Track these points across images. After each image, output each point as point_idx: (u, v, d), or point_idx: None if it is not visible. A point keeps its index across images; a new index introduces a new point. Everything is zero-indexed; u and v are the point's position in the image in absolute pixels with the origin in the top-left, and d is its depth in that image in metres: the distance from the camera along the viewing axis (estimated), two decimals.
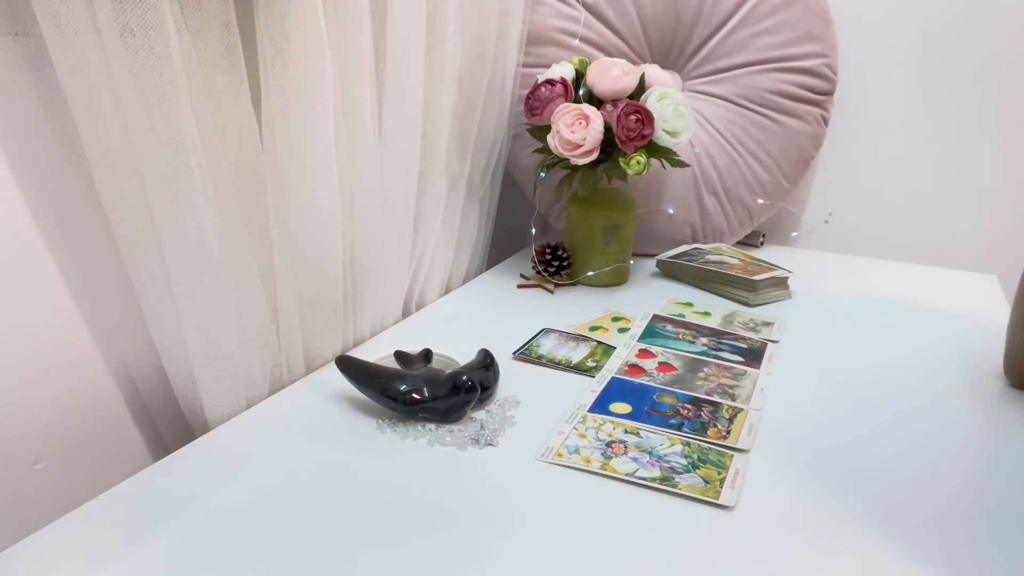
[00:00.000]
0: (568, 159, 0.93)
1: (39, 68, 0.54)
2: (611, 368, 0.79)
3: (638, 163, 0.92)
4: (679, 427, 0.67)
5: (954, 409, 0.71)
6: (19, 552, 0.50)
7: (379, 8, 0.76)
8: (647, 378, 0.77)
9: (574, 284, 1.07)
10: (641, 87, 0.97)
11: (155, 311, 0.63)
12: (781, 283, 1.02)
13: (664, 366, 0.79)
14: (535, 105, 0.96)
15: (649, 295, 1.03)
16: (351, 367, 0.69)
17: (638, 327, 0.90)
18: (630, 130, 0.91)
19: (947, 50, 1.12)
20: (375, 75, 0.76)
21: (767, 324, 0.92)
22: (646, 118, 0.92)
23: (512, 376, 0.77)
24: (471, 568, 0.49)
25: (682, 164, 0.99)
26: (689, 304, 0.99)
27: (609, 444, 0.64)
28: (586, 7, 1.08)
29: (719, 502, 0.56)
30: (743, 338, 0.88)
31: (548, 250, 1.05)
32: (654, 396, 0.73)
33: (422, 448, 0.64)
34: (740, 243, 1.25)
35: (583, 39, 1.09)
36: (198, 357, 0.65)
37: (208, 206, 0.61)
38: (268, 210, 0.69)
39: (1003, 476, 0.60)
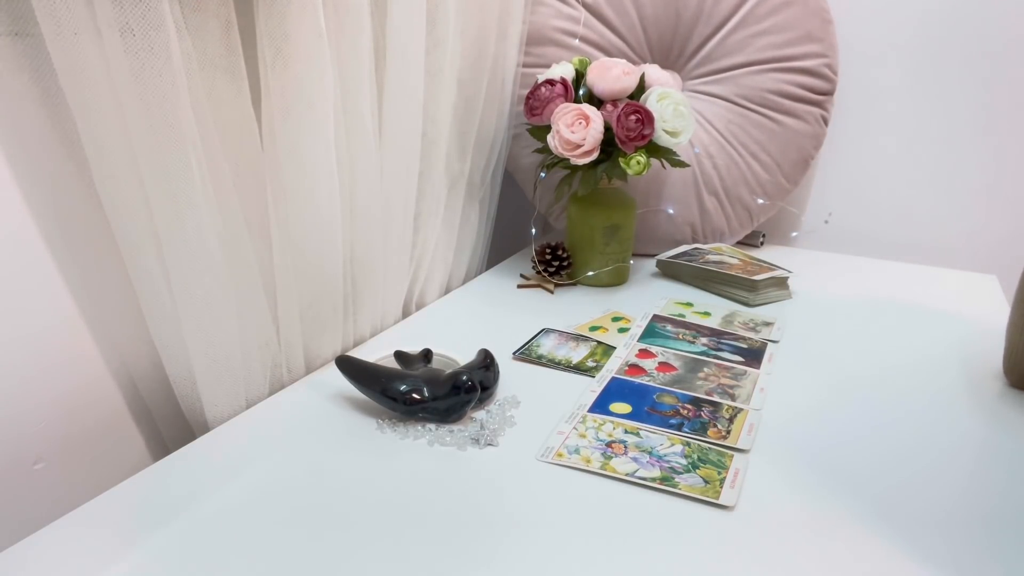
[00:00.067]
0: (568, 159, 0.93)
1: (39, 68, 0.54)
2: (611, 368, 0.79)
3: (638, 163, 0.92)
4: (679, 427, 0.67)
5: (954, 409, 0.71)
6: (19, 552, 0.50)
7: (379, 8, 0.76)
8: (647, 378, 0.77)
9: (574, 284, 1.07)
10: (641, 87, 0.97)
11: (155, 311, 0.63)
12: (781, 283, 1.02)
13: (664, 366, 0.79)
14: (535, 105, 0.96)
15: (649, 295, 1.03)
16: (351, 367, 0.69)
17: (638, 327, 0.90)
18: (630, 130, 0.91)
19: (947, 50, 1.12)
20: (375, 75, 0.76)
21: (767, 324, 0.92)
22: (646, 118, 0.92)
23: (512, 376, 0.77)
24: (471, 568, 0.49)
25: (682, 164, 0.99)
26: (689, 304, 0.99)
27: (609, 444, 0.64)
28: (586, 7, 1.08)
29: (719, 502, 0.56)
30: (743, 338, 0.88)
31: (548, 250, 1.05)
32: (654, 396, 0.73)
33: (422, 448, 0.64)
34: (740, 243, 1.25)
35: (583, 39, 1.09)
36: (198, 357, 0.65)
37: (208, 206, 0.61)
38: (268, 210, 0.69)
39: (1003, 476, 0.60)
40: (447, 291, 1.05)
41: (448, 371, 0.69)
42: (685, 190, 1.15)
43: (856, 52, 1.17)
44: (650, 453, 0.63)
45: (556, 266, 1.04)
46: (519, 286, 1.05)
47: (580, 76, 0.99)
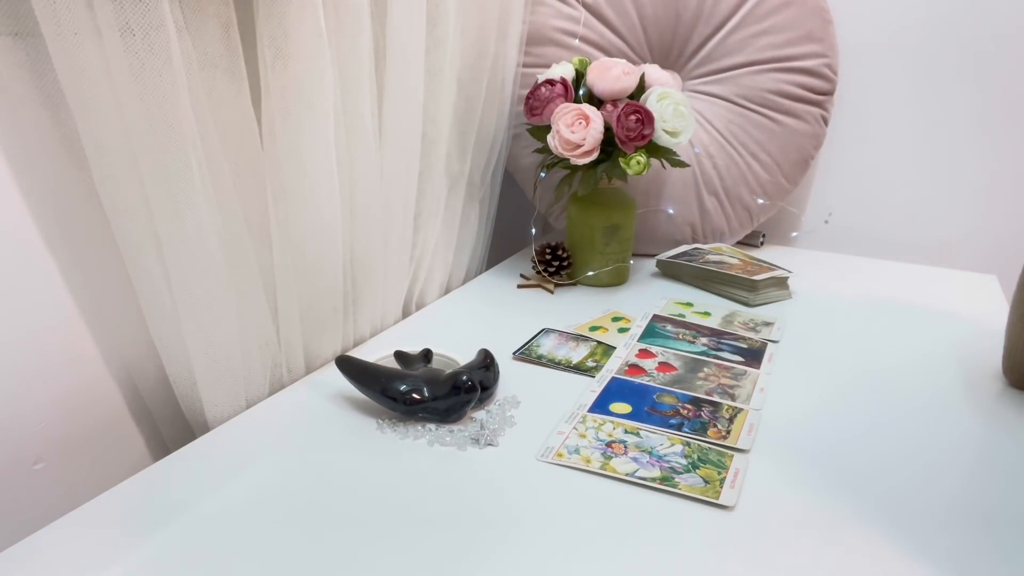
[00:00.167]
0: (568, 159, 0.93)
1: (39, 68, 0.54)
2: (611, 368, 0.79)
3: (638, 163, 0.92)
4: (679, 427, 0.67)
5: (953, 409, 0.71)
6: (19, 552, 0.50)
7: (379, 8, 0.76)
8: (647, 378, 0.77)
9: (574, 284, 1.07)
10: (641, 87, 0.97)
11: (155, 311, 0.63)
12: (781, 283, 1.02)
13: (664, 366, 0.79)
14: (535, 105, 0.96)
15: (649, 295, 1.03)
16: (351, 367, 0.69)
17: (638, 327, 0.90)
18: (630, 130, 0.91)
19: (947, 50, 1.12)
20: (375, 75, 0.76)
21: (767, 324, 0.92)
22: (646, 118, 0.92)
23: (512, 376, 0.77)
24: (471, 568, 0.49)
25: (682, 164, 0.99)
26: (689, 304, 0.99)
27: (609, 444, 0.64)
28: (586, 7, 1.08)
29: (719, 502, 0.56)
30: (743, 338, 0.88)
31: (548, 250, 1.05)
32: (654, 396, 0.73)
33: (422, 448, 0.64)
34: (740, 243, 1.25)
35: (583, 39, 1.09)
36: (198, 357, 0.65)
37: (208, 206, 0.61)
38: (268, 210, 0.69)
39: (1003, 476, 0.60)
40: (447, 291, 1.05)
41: (448, 371, 0.69)
42: (685, 190, 1.15)
43: (856, 52, 1.17)
44: (650, 453, 0.63)
45: (556, 266, 1.04)
46: (519, 286, 1.05)
47: (580, 76, 0.99)
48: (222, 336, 0.66)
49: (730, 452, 0.63)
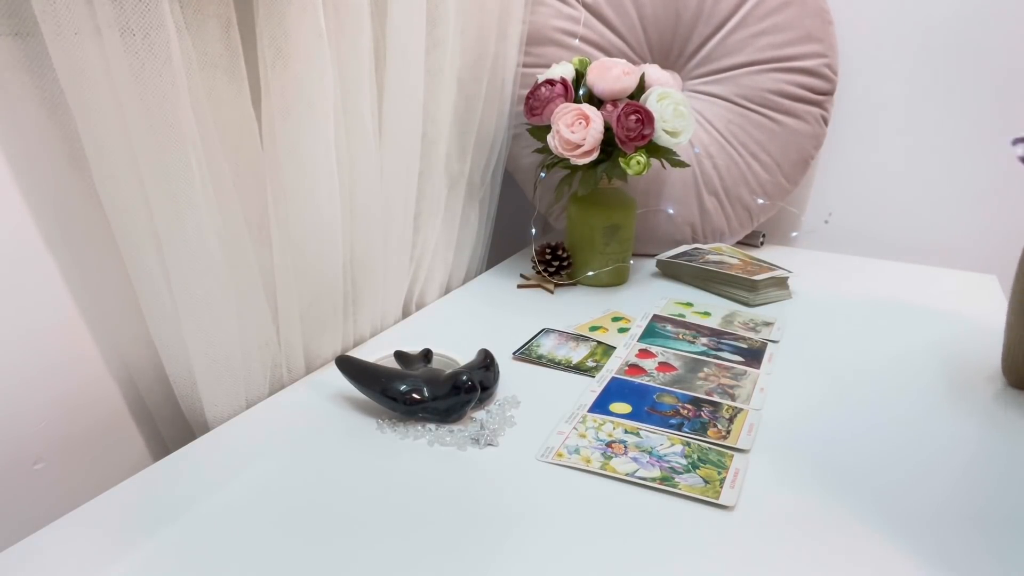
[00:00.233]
0: (568, 159, 0.93)
1: (39, 68, 0.54)
2: (611, 368, 0.79)
3: (638, 163, 0.92)
4: (679, 427, 0.67)
5: (954, 409, 0.71)
6: (19, 552, 0.50)
7: (379, 8, 0.76)
8: (647, 378, 0.77)
9: (574, 284, 1.07)
10: (641, 87, 0.97)
11: (155, 311, 0.63)
12: (781, 283, 1.02)
13: (664, 366, 0.79)
14: (535, 105, 0.96)
15: (649, 295, 1.03)
16: (351, 367, 0.69)
17: (638, 327, 0.90)
18: (630, 130, 0.91)
19: (947, 50, 1.12)
20: (375, 75, 0.76)
21: (767, 324, 0.92)
22: (646, 118, 0.92)
23: (512, 376, 0.77)
24: (471, 568, 0.49)
25: (682, 164, 0.99)
26: (689, 304, 0.99)
27: (609, 444, 0.64)
28: (586, 7, 1.08)
29: (719, 502, 0.56)
30: (743, 338, 0.88)
31: (548, 250, 1.05)
32: (654, 396, 0.73)
33: (422, 448, 0.64)
34: (740, 243, 1.25)
35: (583, 39, 1.09)
36: (198, 357, 0.65)
37: (208, 206, 0.61)
38: (268, 210, 0.69)
39: (1003, 476, 0.60)
40: (447, 291, 1.05)
41: (448, 371, 0.69)
42: (685, 190, 1.15)
43: (856, 52, 1.17)
44: (650, 453, 0.63)
45: (556, 266, 1.04)
46: (519, 286, 1.05)
47: (580, 76, 0.99)
48: (222, 336, 0.66)
49: (730, 452, 0.63)
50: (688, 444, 0.64)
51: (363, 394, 0.69)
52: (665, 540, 0.52)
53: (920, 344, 0.86)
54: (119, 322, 0.65)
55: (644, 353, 0.83)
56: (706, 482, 0.59)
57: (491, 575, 0.49)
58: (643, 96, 0.96)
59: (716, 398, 0.72)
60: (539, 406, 0.71)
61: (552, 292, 1.03)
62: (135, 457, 0.70)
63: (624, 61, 0.96)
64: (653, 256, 1.16)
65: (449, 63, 0.88)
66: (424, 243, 0.95)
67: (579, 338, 0.87)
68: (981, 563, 0.50)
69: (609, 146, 0.93)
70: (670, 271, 1.11)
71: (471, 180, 1.04)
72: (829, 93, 1.14)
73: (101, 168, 0.57)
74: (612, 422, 0.68)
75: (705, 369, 0.79)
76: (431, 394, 0.66)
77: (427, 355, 0.75)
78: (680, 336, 0.87)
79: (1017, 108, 1.11)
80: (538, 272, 1.06)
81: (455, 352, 0.77)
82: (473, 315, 0.95)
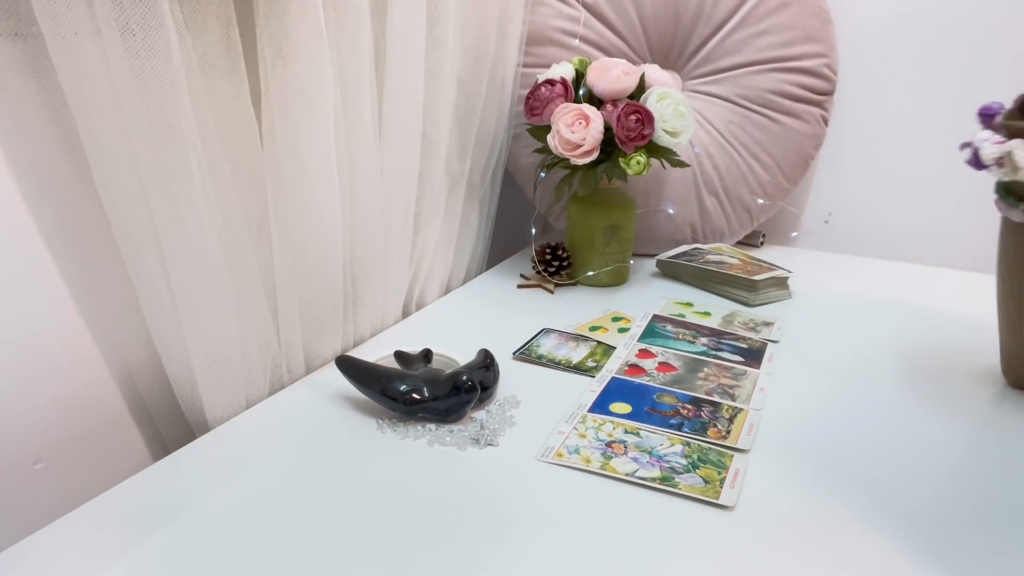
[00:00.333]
0: (568, 159, 0.93)
1: (39, 68, 0.54)
2: (611, 368, 0.79)
3: (638, 163, 0.92)
4: (679, 427, 0.67)
5: (954, 409, 0.71)
6: (19, 552, 0.50)
7: (379, 8, 0.76)
8: (647, 378, 0.77)
9: (574, 284, 1.07)
10: (641, 87, 0.97)
11: (155, 311, 0.63)
12: (781, 283, 1.02)
13: (664, 366, 0.79)
14: (535, 105, 0.96)
15: (649, 295, 1.03)
16: (351, 367, 0.69)
17: (638, 327, 0.90)
18: (630, 130, 0.91)
19: (947, 49, 1.12)
20: (375, 75, 0.76)
21: (767, 324, 0.92)
22: (646, 118, 0.92)
23: (512, 376, 0.77)
24: (471, 568, 0.49)
25: (682, 164, 0.99)
26: (689, 304, 0.99)
27: (609, 444, 0.64)
28: (586, 7, 1.08)
29: (719, 502, 0.56)
30: (743, 338, 0.88)
31: (548, 250, 1.05)
32: (654, 396, 0.73)
33: (422, 448, 0.64)
34: (740, 243, 1.25)
35: (583, 39, 1.09)
36: (198, 357, 0.65)
37: (208, 206, 0.61)
38: (268, 210, 0.69)
39: (1002, 476, 0.60)
40: (447, 291, 1.05)
41: (448, 371, 0.69)
42: (685, 190, 1.15)
43: (856, 52, 1.17)
44: (650, 453, 0.63)
45: (556, 266, 1.04)
46: (519, 286, 1.05)
47: (580, 76, 0.99)
48: (222, 336, 0.66)
49: (730, 452, 0.63)
50: (688, 444, 0.64)
51: (363, 394, 0.69)
52: (665, 540, 0.52)
53: (920, 344, 0.86)
54: (119, 322, 0.65)
55: (644, 353, 0.83)
56: (706, 482, 0.59)
57: (491, 575, 0.49)
58: (643, 96, 0.96)
59: (716, 398, 0.72)
60: (539, 406, 0.71)
61: (552, 292, 1.03)
62: (135, 457, 0.70)
63: (624, 61, 0.96)
64: (653, 256, 1.16)
65: (449, 63, 0.88)
66: (424, 243, 0.95)
67: (579, 338, 0.87)
68: (981, 563, 0.50)
69: (609, 146, 0.93)
70: (670, 271, 1.11)
71: (471, 180, 1.04)
72: (829, 93, 1.14)
73: (101, 168, 0.57)
74: (612, 422, 0.68)
75: (705, 369, 0.79)
76: (431, 394, 0.66)
77: (427, 355, 0.75)
78: (680, 336, 0.87)
79: None
80: (538, 272, 1.06)
81: (455, 352, 0.77)
82: (473, 315, 0.95)
